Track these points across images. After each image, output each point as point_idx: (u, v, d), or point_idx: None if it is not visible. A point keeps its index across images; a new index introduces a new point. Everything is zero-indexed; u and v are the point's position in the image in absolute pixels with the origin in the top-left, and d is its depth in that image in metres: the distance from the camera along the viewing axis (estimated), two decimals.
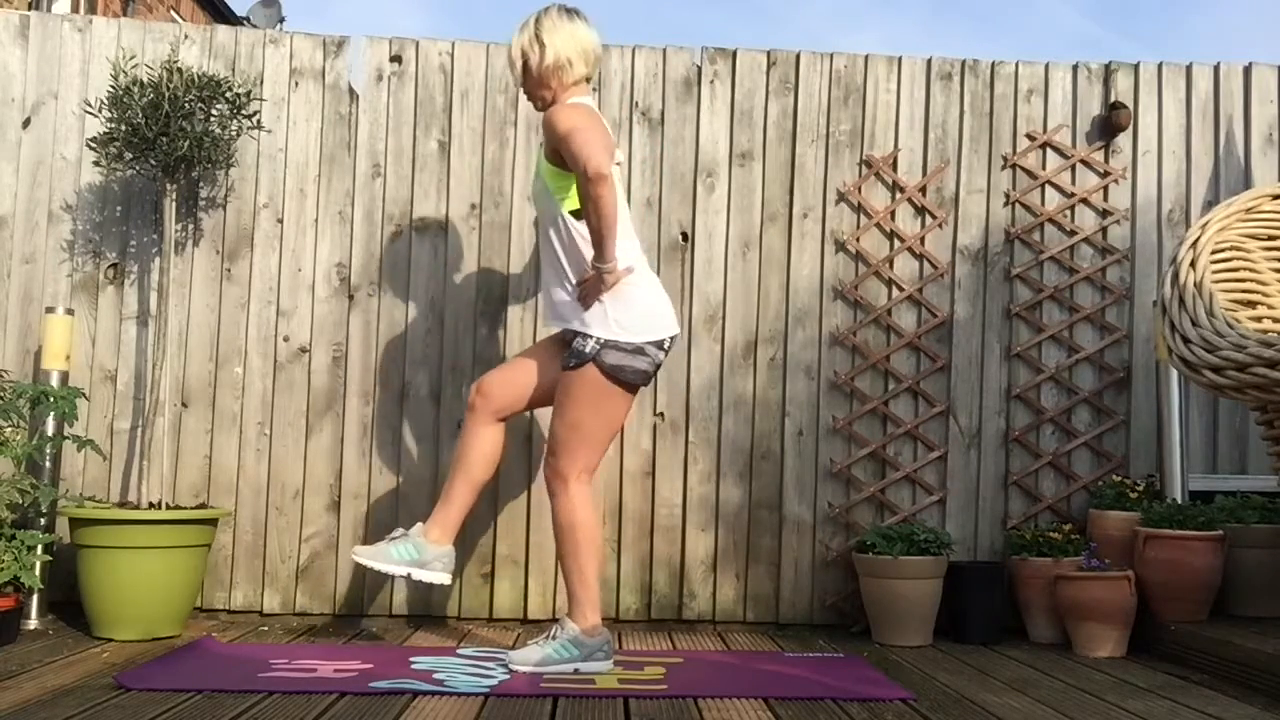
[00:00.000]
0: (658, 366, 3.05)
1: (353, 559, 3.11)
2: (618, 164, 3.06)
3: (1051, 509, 3.76)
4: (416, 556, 3.05)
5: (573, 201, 2.95)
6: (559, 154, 2.92)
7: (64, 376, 3.50)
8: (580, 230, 2.94)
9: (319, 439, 3.72)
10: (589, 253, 2.93)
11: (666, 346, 3.04)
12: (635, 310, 2.97)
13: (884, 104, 3.86)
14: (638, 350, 2.96)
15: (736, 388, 3.76)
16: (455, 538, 3.12)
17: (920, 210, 3.84)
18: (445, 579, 3.08)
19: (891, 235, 3.83)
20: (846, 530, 3.74)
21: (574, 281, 2.99)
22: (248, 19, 14.67)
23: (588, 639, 2.94)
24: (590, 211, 2.85)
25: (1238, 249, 2.87)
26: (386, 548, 3.07)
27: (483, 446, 3.13)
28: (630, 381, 2.99)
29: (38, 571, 3.15)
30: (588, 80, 3.08)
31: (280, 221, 3.77)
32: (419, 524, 3.12)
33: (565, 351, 3.02)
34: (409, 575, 3.04)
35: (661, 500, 3.73)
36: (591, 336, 2.95)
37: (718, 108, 3.84)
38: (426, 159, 3.80)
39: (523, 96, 3.80)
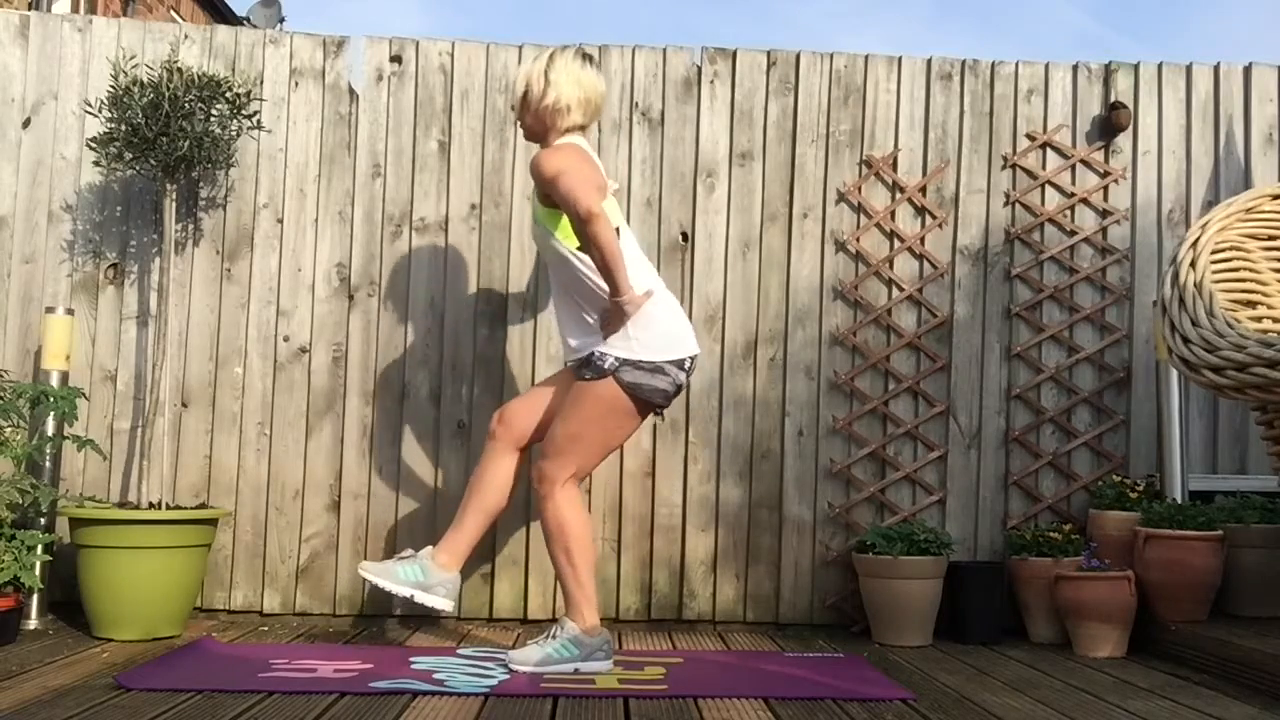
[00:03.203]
0: (679, 388, 3.04)
1: (360, 573, 3.13)
2: (614, 192, 3.09)
3: (1051, 509, 3.76)
4: (421, 579, 3.08)
5: (576, 237, 2.97)
6: (548, 198, 2.95)
7: (64, 376, 3.50)
8: (590, 263, 2.95)
9: (319, 439, 3.72)
10: (601, 283, 2.94)
11: (688, 367, 3.04)
12: (655, 329, 2.97)
13: (884, 104, 3.86)
14: (657, 369, 2.97)
15: (736, 388, 3.76)
16: (463, 565, 3.14)
17: (920, 210, 3.84)
18: (447, 606, 3.10)
19: (891, 235, 3.83)
20: (846, 530, 3.74)
21: (594, 315, 2.99)
22: (248, 19, 14.66)
23: (587, 639, 2.94)
24: (591, 250, 2.88)
25: (1238, 249, 2.87)
26: (394, 567, 3.10)
27: (499, 475, 3.15)
28: (647, 399, 3.00)
29: (38, 571, 3.15)
30: (583, 129, 3.09)
31: (280, 221, 3.77)
32: (429, 547, 3.15)
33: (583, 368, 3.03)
34: (411, 596, 3.07)
35: (661, 500, 3.73)
36: (610, 354, 2.96)
37: (718, 108, 3.84)
38: (426, 159, 3.80)
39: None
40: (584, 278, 2.98)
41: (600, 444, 3.05)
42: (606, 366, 2.95)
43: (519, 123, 3.13)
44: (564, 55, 3.04)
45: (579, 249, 2.96)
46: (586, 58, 3.06)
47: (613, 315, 2.94)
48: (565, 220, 2.96)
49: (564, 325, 3.11)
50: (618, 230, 2.98)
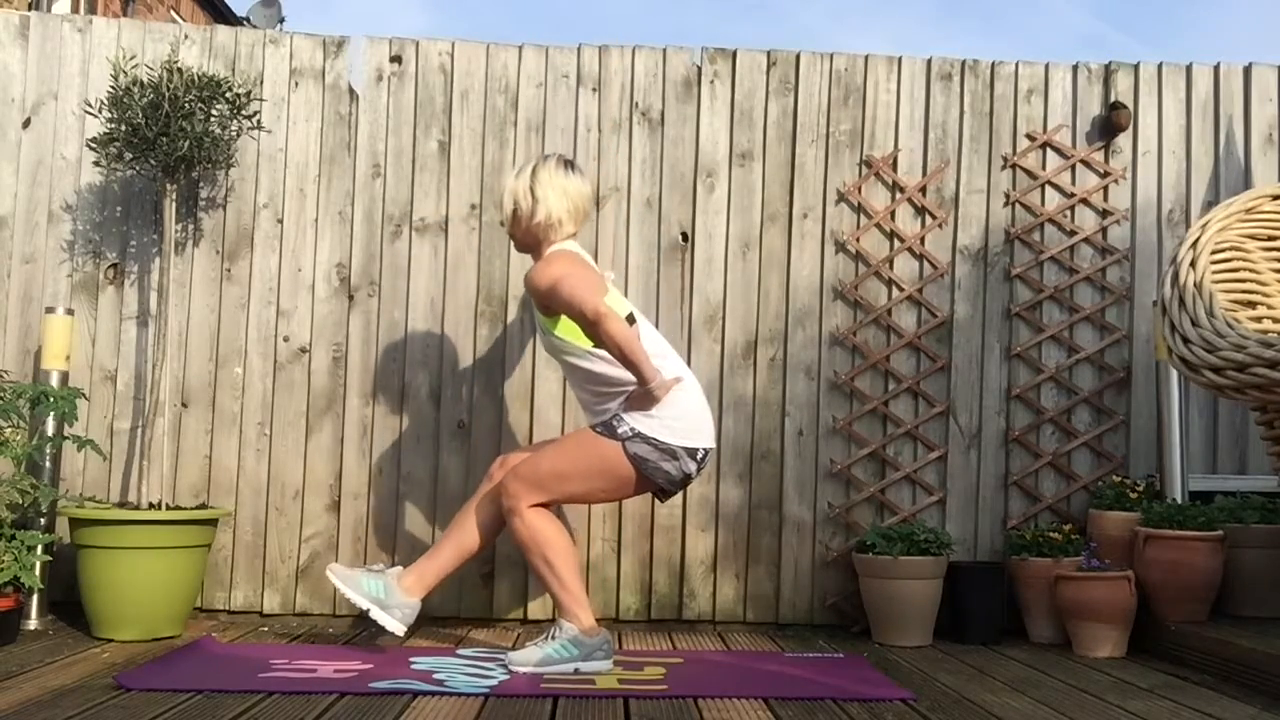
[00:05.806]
0: (686, 479, 3.03)
1: (327, 574, 3.14)
2: (611, 280, 3.11)
3: (1051, 509, 3.76)
4: (382, 597, 3.09)
5: (588, 338, 2.97)
6: (549, 308, 2.96)
7: (64, 376, 3.50)
8: (607, 355, 2.95)
9: (319, 439, 3.72)
10: (621, 373, 2.94)
11: (700, 458, 3.02)
12: (679, 414, 2.97)
13: (884, 104, 3.86)
14: (670, 452, 2.96)
15: (736, 388, 3.76)
16: (427, 595, 3.14)
17: (920, 210, 3.84)
18: (399, 630, 3.10)
19: (891, 235, 3.83)
20: (846, 530, 3.74)
21: (616, 399, 2.99)
22: (248, 19, 14.67)
23: (587, 639, 2.94)
24: (609, 349, 2.88)
25: (1238, 249, 2.87)
26: (361, 577, 3.11)
27: (483, 519, 3.15)
28: (649, 477, 2.98)
29: (38, 571, 3.15)
30: (574, 235, 3.11)
31: (280, 221, 3.77)
32: (398, 567, 3.16)
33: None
34: (368, 611, 3.08)
35: None
36: (629, 423, 2.95)
37: (718, 108, 3.84)
38: (426, 159, 3.80)
39: (522, 98, 3.81)
40: (602, 372, 2.98)
41: (581, 494, 3.08)
42: (619, 432, 2.95)
43: (511, 238, 3.15)
44: (546, 167, 3.04)
45: (595, 346, 2.96)
46: (568, 164, 3.07)
47: (643, 396, 2.94)
48: (570, 322, 2.96)
49: (584, 405, 3.13)
50: (631, 318, 2.99)
